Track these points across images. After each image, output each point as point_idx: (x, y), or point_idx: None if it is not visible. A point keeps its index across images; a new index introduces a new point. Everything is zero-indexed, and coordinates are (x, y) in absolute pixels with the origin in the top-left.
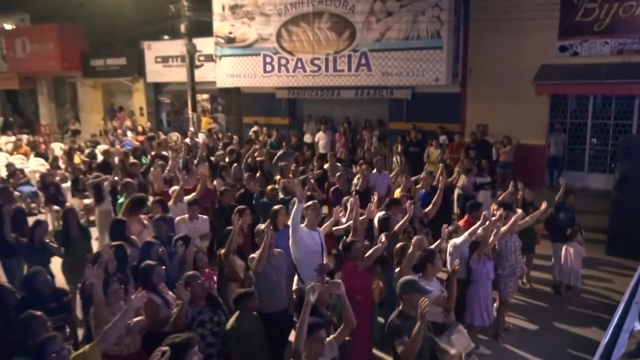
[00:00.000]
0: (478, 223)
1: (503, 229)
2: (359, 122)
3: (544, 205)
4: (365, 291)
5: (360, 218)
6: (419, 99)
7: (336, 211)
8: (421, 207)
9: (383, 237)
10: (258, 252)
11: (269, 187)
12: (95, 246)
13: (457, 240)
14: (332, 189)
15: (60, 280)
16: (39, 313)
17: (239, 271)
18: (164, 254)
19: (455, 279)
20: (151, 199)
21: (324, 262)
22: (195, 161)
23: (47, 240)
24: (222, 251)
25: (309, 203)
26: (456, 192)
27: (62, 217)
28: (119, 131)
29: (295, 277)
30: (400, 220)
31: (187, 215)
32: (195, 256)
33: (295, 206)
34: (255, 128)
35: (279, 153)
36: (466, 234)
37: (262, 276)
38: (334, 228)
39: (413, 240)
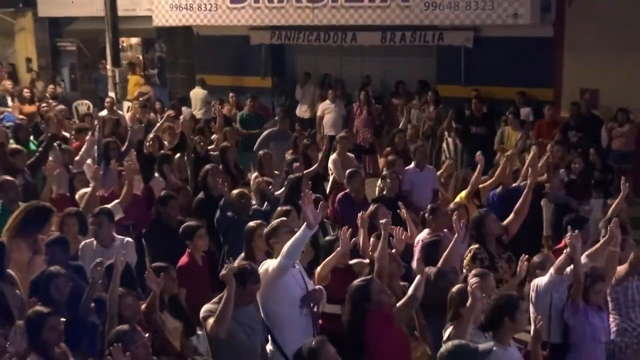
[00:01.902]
0: (563, 255)
1: (620, 269)
2: (388, 86)
3: None
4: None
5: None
6: (486, 49)
7: (344, 232)
8: (497, 219)
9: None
10: (218, 307)
11: (236, 191)
12: None
13: (542, 280)
14: (339, 195)
15: None
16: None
17: (172, 337)
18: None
19: (539, 345)
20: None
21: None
22: (123, 147)
23: None
24: (142, 307)
25: (276, 224)
26: (542, 200)
27: None
28: None
29: (269, 346)
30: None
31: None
32: (121, 301)
33: (298, 234)
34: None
35: (265, 133)
36: (551, 270)
37: (225, 341)
38: (352, 262)
39: (469, 288)
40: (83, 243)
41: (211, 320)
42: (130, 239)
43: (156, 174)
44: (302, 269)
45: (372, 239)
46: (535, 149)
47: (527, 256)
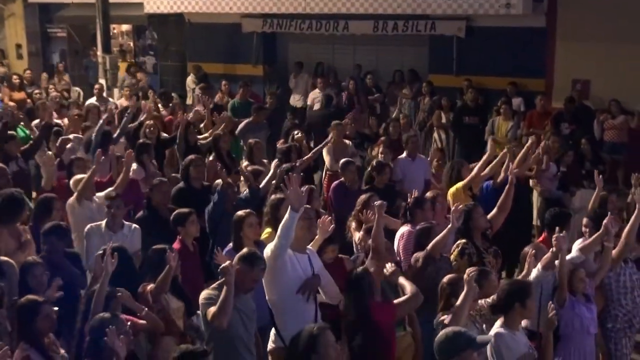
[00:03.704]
0: (550, 253)
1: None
2: (379, 75)
3: None
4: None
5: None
6: (478, 38)
7: (324, 220)
8: (484, 214)
9: (389, 266)
10: (217, 293)
11: (218, 181)
12: None
13: (533, 271)
14: (334, 184)
15: None
16: None
17: (175, 317)
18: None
19: (551, 333)
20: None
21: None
22: (115, 133)
23: None
24: (149, 287)
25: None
26: (535, 193)
27: None
28: None
29: (272, 332)
30: (443, 233)
31: (103, 222)
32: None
33: (285, 217)
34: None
35: (243, 123)
36: (539, 266)
37: (224, 330)
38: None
39: (465, 276)
40: (89, 226)
41: (212, 309)
42: (137, 226)
43: (134, 164)
44: (313, 256)
45: (361, 232)
46: (533, 139)
47: (534, 251)
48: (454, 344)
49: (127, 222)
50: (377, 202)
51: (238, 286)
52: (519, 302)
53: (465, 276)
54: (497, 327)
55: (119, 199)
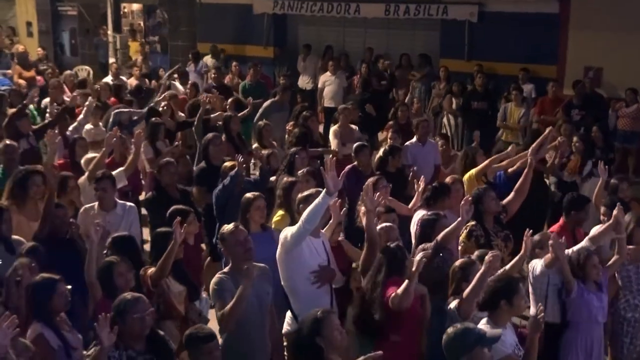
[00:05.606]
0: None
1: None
2: (391, 58)
3: None
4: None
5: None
6: (490, 23)
7: (334, 203)
8: (496, 197)
9: (419, 255)
10: (228, 278)
11: (228, 164)
12: None
13: (539, 263)
14: (346, 168)
15: None
16: None
17: (176, 302)
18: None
19: (537, 336)
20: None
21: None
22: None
23: None
24: (150, 271)
25: (310, 192)
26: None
27: None
28: None
29: (288, 315)
30: (453, 223)
31: (96, 203)
32: (114, 268)
33: (317, 201)
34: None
35: (266, 104)
36: (542, 263)
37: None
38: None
39: (486, 259)
40: (83, 208)
41: (220, 311)
42: (132, 205)
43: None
44: (326, 241)
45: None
46: (550, 130)
47: (531, 231)
48: (462, 341)
49: (120, 201)
50: (372, 183)
51: (237, 260)
52: (505, 299)
53: (487, 257)
54: (482, 323)
55: (105, 180)
